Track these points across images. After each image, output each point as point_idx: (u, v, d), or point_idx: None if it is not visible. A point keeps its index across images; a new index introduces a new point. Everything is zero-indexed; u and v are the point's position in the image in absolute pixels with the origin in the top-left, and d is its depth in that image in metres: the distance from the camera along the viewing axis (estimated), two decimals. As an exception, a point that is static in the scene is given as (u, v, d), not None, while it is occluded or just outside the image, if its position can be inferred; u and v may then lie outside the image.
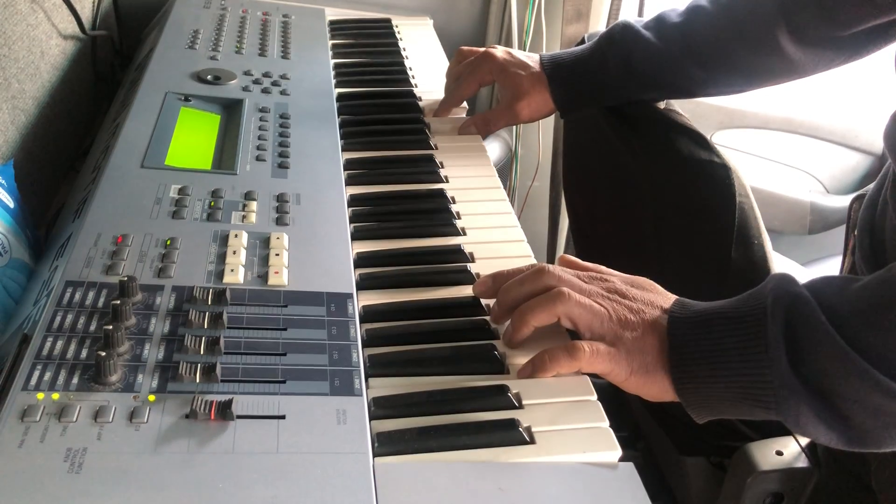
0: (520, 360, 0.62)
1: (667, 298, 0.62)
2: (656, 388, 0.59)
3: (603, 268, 0.66)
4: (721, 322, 0.57)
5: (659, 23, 0.90)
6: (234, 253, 0.68)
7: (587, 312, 0.60)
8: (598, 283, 0.63)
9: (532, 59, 0.96)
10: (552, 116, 1.24)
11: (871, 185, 0.74)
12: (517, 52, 0.97)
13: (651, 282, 0.64)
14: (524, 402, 0.58)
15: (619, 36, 0.90)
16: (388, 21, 1.32)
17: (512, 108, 0.95)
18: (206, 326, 0.60)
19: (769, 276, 0.58)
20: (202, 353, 0.57)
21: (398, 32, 1.28)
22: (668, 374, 0.58)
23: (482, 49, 0.99)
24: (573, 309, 0.60)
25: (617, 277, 0.64)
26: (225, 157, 0.85)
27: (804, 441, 0.74)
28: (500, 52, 0.97)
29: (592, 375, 0.62)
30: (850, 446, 0.55)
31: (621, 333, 0.59)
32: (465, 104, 1.05)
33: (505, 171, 1.53)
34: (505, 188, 0.90)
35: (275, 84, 1.01)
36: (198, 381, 0.55)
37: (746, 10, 0.84)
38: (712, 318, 0.58)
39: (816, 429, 0.54)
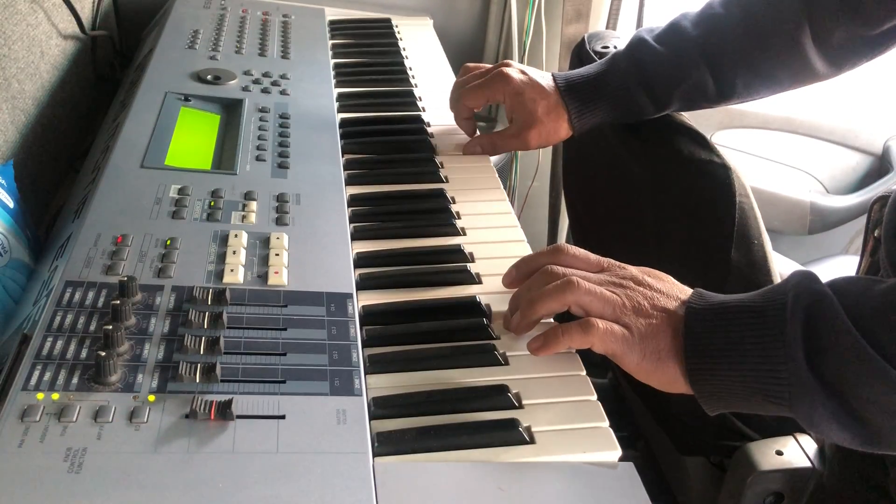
0: (520, 359, 0.62)
1: (683, 289, 0.62)
2: (667, 377, 0.59)
3: (614, 261, 0.66)
4: (740, 315, 0.57)
5: (673, 33, 0.87)
6: (234, 253, 0.68)
7: (598, 300, 0.60)
8: (614, 270, 0.63)
9: (546, 82, 0.90)
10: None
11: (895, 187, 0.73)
12: (532, 72, 0.91)
13: (666, 275, 0.64)
14: (524, 402, 0.58)
15: (634, 52, 0.87)
16: (388, 21, 1.32)
17: (521, 135, 0.91)
18: (206, 326, 0.60)
19: (791, 272, 0.58)
20: (202, 353, 0.57)
21: (398, 32, 1.28)
22: (681, 363, 0.58)
23: (488, 66, 0.95)
24: (583, 297, 0.60)
25: (633, 267, 0.64)
26: (225, 157, 0.85)
27: (805, 441, 0.74)
28: (515, 71, 0.91)
29: (593, 375, 0.62)
30: (863, 447, 0.54)
31: (634, 319, 0.59)
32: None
33: (505, 171, 1.53)
34: (505, 188, 0.89)
35: (275, 84, 1.01)
36: (198, 381, 0.55)
37: (769, 17, 0.82)
38: (731, 310, 0.58)
39: (830, 427, 0.54)
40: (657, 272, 0.64)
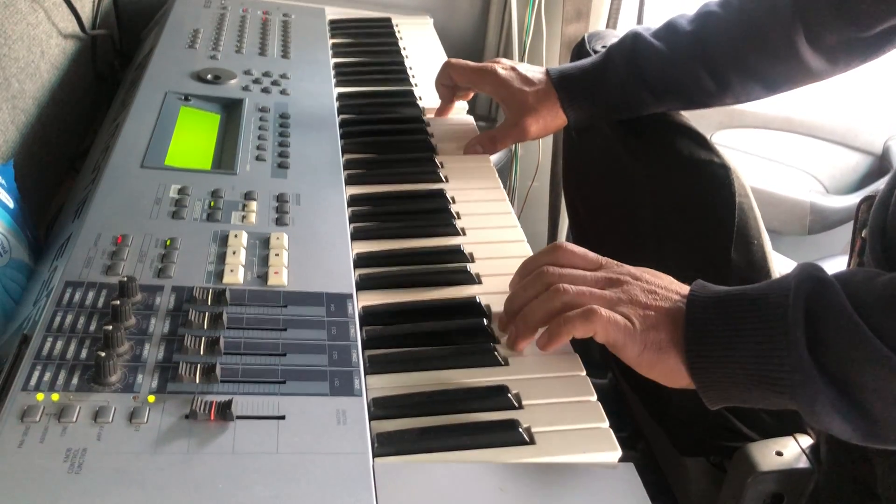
0: (520, 359, 0.63)
1: (682, 286, 0.62)
2: (668, 369, 0.59)
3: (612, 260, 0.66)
4: (741, 302, 0.57)
5: (669, 30, 0.88)
6: (234, 253, 0.68)
7: (591, 300, 0.60)
8: (612, 267, 0.64)
9: (537, 74, 0.92)
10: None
11: (882, 186, 0.73)
12: (522, 67, 0.93)
13: (664, 274, 0.64)
14: (524, 403, 0.58)
15: (629, 46, 0.88)
16: (388, 20, 1.32)
17: (519, 125, 0.91)
18: (205, 327, 0.60)
19: (796, 265, 0.58)
20: (202, 353, 0.57)
21: (398, 32, 1.28)
22: (682, 354, 0.58)
23: (476, 64, 0.96)
24: (574, 300, 0.60)
25: (629, 266, 0.64)
26: (225, 156, 0.85)
27: (805, 441, 0.74)
28: (502, 68, 0.93)
29: (593, 375, 0.62)
30: (864, 440, 0.54)
31: (634, 311, 0.59)
32: (465, 104, 1.04)
33: (505, 171, 1.53)
34: (505, 188, 0.89)
35: (275, 84, 1.00)
36: (198, 381, 0.55)
37: (763, 17, 0.82)
38: (733, 298, 0.58)
39: (831, 418, 0.53)
40: (655, 271, 0.64)
